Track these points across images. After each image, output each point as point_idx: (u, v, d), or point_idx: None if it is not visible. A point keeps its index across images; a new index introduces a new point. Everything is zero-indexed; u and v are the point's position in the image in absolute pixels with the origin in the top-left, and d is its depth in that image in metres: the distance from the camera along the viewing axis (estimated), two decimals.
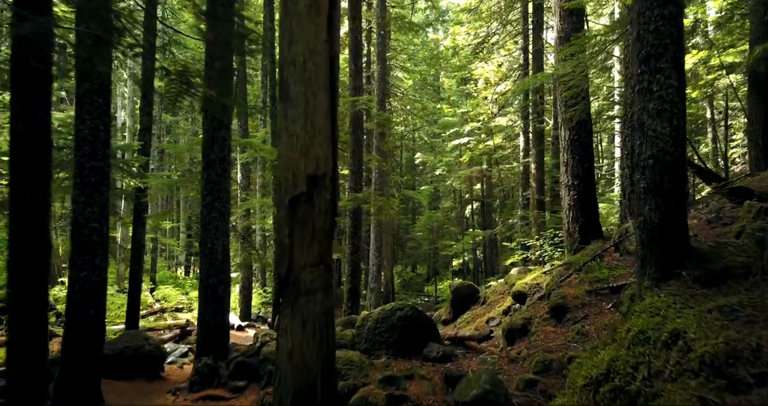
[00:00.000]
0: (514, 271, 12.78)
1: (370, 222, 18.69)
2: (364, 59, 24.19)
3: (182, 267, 30.34)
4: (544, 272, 7.77)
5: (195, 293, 22.00)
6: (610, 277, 5.70)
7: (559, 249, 14.98)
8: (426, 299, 29.24)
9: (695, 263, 3.61)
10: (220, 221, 7.68)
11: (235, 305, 17.47)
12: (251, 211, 16.08)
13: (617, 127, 23.14)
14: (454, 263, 31.69)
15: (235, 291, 18.29)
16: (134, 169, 10.18)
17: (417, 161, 36.12)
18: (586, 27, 9.24)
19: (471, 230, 29.20)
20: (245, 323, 16.24)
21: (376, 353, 5.37)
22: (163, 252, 30.16)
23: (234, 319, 16.50)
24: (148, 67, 10.17)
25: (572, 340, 4.93)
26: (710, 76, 12.17)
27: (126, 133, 21.54)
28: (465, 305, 9.43)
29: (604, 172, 26.34)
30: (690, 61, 12.92)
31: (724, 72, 12.11)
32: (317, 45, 3.46)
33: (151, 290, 21.47)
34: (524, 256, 15.81)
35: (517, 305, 7.51)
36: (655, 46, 3.93)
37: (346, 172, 19.47)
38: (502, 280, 14.11)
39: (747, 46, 11.42)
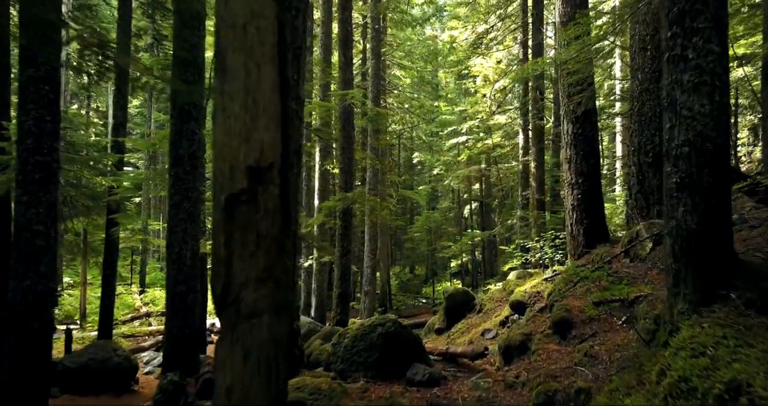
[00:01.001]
0: (512, 275, 12.05)
1: (366, 223, 17.96)
2: (360, 56, 23.48)
3: None
4: (546, 279, 7.04)
5: None
6: (624, 291, 4.96)
7: (560, 252, 14.24)
8: (424, 301, 28.50)
9: (746, 281, 2.82)
10: (189, 223, 6.95)
11: None
12: None
13: (618, 125, 22.41)
14: (453, 264, 30.93)
15: None
16: (107, 166, 9.46)
17: (415, 161, 35.39)
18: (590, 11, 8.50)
19: (469, 230, 28.47)
20: None
21: (353, 375, 4.64)
22: (156, 253, 29.42)
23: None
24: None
25: (579, 362, 4.20)
26: None
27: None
28: (460, 312, 8.69)
29: (605, 172, 25.61)
30: None
31: (734, 64, 11.37)
32: (261, 6, 2.75)
33: (140, 293, 20.76)
34: (524, 258, 15.06)
35: (516, 315, 6.77)
36: (691, 0, 3.06)
37: (337, 171, 18.76)
38: (500, 285, 13.37)
39: (760, 37, 10.69)
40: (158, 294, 20.80)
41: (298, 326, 4.60)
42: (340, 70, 11.56)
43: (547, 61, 7.44)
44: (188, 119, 7.05)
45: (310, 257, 14.96)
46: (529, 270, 13.39)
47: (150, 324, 15.43)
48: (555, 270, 7.28)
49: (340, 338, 5.04)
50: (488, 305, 8.43)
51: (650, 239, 5.84)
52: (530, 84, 16.90)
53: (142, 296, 20.21)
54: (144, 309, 17.81)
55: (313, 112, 14.43)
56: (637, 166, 8.83)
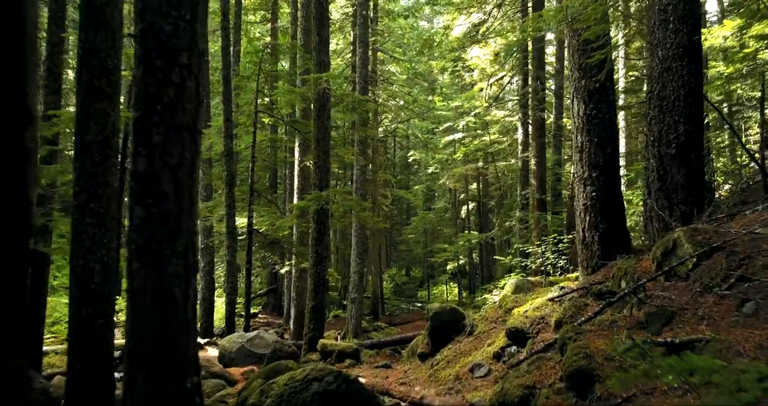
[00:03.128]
0: (509, 287, 10.47)
1: (353, 225, 16.36)
2: (350, 47, 21.92)
3: None
4: (551, 299, 5.46)
5: None
6: (669, 329, 3.36)
7: (563, 257, 12.64)
8: (419, 305, 26.93)
9: None
10: (98, 229, 5.37)
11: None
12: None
13: (622, 121, 20.82)
14: (449, 266, 29.34)
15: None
16: None
17: (411, 160, 33.83)
18: None
19: (466, 231, 26.88)
20: (205, 341, 13.94)
21: None
22: None
23: None
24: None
25: None
26: (748, 49, 9.84)
27: None
28: (447, 335, 7.12)
29: None
30: (721, 33, 10.62)
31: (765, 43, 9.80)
32: None
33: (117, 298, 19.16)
34: (523, 264, 13.48)
35: (514, 347, 5.20)
36: None
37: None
38: (496, 298, 11.80)
39: None
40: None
41: (197, 382, 3.11)
42: (314, 51, 10.00)
43: (552, 13, 5.83)
44: (99, 97, 5.47)
45: (288, 263, 13.41)
46: (530, 279, 11.81)
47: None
48: (563, 287, 5.70)
49: (262, 397, 3.47)
50: (481, 326, 6.86)
51: (694, 250, 4.27)
52: (530, 73, 15.34)
53: (119, 300, 18.62)
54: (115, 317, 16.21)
55: (296, 105, 12.93)
56: (657, 159, 7.26)
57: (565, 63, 7.59)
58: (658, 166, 7.25)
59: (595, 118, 5.71)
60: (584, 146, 5.78)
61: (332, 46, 24.26)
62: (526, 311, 5.68)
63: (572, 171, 5.93)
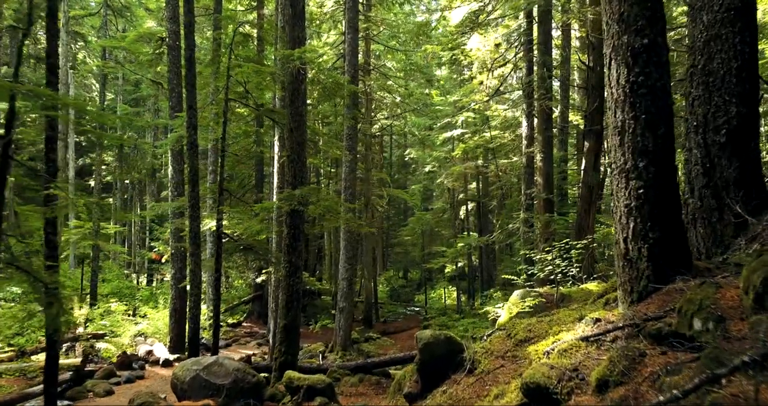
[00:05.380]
0: (514, 301, 8.92)
1: (341, 227, 14.69)
2: (342, 37, 20.25)
3: (146, 275, 26.37)
4: (585, 339, 3.83)
5: (146, 310, 18.06)
6: None
7: (575, 265, 11.00)
8: (416, 309, 25.28)
9: None
10: None
11: (165, 330, 13.55)
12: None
13: None
14: (448, 269, 27.67)
15: (165, 314, 14.37)
16: None
17: (408, 159, 32.19)
18: None
19: (465, 233, 25.22)
20: (174, 356, 12.30)
21: None
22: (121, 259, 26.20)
23: (160, 351, 12.56)
24: None
25: None
26: None
27: None
28: (440, 371, 5.48)
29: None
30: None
31: None
32: None
33: (92, 307, 17.51)
34: (529, 272, 11.81)
35: None
36: None
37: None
38: (499, 313, 10.14)
39: None
40: (117, 307, 17.58)
41: None
42: (287, 25, 8.36)
43: None
44: None
45: (265, 271, 11.79)
46: (537, 290, 10.17)
47: (68, 352, 12.25)
48: (598, 320, 4.05)
49: None
50: (484, 362, 5.22)
51: None
52: (535, 59, 13.71)
53: (89, 310, 16.97)
54: (79, 330, 14.60)
55: (275, 92, 11.31)
56: (702, 148, 5.64)
57: (603, 20, 5.97)
58: (703, 157, 5.63)
59: (642, 87, 4.09)
60: (626, 126, 4.15)
61: (324, 38, 22.62)
62: (549, 352, 4.05)
63: (608, 159, 4.30)
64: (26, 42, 5.43)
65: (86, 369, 10.52)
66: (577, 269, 11.11)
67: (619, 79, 4.25)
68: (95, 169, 18.27)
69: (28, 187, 6.14)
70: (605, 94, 4.35)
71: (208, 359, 7.61)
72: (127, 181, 27.67)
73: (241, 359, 9.49)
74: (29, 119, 28.12)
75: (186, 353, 12.70)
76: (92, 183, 18.07)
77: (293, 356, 8.18)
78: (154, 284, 25.08)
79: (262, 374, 9.80)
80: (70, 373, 9.97)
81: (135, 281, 24.89)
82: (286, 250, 8.20)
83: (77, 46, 26.11)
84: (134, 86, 27.23)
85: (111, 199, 26.92)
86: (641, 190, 4.13)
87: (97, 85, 30.51)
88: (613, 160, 4.33)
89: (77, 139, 26.76)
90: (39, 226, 5.88)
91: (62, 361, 10.51)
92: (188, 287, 11.48)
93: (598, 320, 4.10)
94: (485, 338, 6.10)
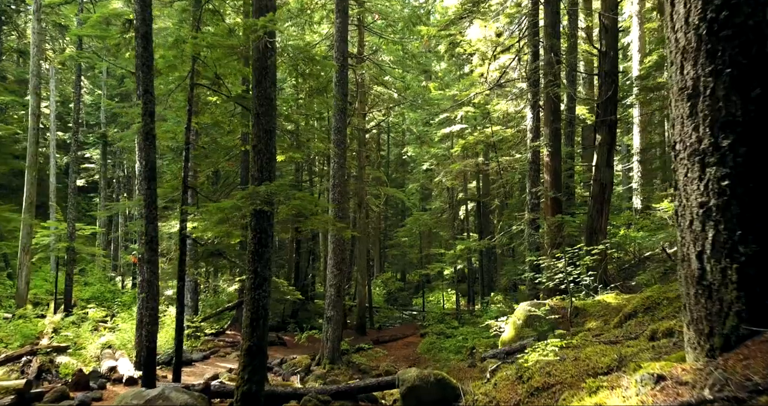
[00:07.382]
0: (518, 316, 7.54)
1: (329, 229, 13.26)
2: (333, 30, 18.84)
3: (131, 278, 24.96)
4: None
5: (124, 315, 16.64)
6: None
7: (589, 274, 9.57)
8: (414, 313, 23.86)
9: None
10: None
11: (131, 344, 12.13)
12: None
13: (636, 117, 17.74)
14: (446, 271, 26.21)
15: (131, 325, 12.96)
16: None
17: (405, 157, 30.79)
18: None
19: (465, 234, 23.80)
20: (139, 373, 10.83)
21: None
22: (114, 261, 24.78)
23: (125, 367, 11.13)
24: None
25: None
26: None
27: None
28: None
29: (617, 170, 20.85)
30: None
31: None
32: None
33: (67, 314, 16.09)
34: (537, 280, 10.39)
35: None
36: None
37: (282, 158, 14.08)
38: (503, 327, 8.72)
39: None
40: (93, 314, 16.15)
41: None
42: None
43: None
44: None
45: (238, 279, 10.40)
46: (545, 303, 8.75)
47: (24, 369, 10.84)
48: (660, 376, 2.65)
49: None
50: None
51: None
52: (542, 44, 12.29)
53: (60, 319, 15.55)
54: (43, 341, 13.20)
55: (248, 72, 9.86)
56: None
57: None
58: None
59: (726, 27, 2.66)
60: (701, 86, 2.72)
61: (317, 29, 21.22)
62: None
63: (670, 136, 2.88)
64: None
65: (34, 391, 9.11)
66: (591, 278, 9.71)
67: (689, 17, 2.81)
68: (71, 166, 16.86)
69: None
70: (666, 40, 2.93)
71: (152, 391, 6.21)
72: (114, 180, 26.29)
73: (201, 386, 8.07)
74: (15, 116, 26.76)
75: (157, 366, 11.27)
76: (69, 182, 16.66)
77: (258, 385, 6.77)
78: (137, 288, 23.68)
79: (228, 401, 8.42)
80: (12, 397, 8.57)
81: (120, 284, 23.50)
82: (250, 258, 6.79)
83: (66, 40, 24.76)
84: (119, 81, 25.88)
85: (96, 199, 25.54)
86: (725, 182, 2.71)
87: (86, 82, 29.16)
88: (678, 138, 2.91)
89: (61, 136, 25.40)
90: None
91: (3, 383, 9.09)
92: (141, 298, 10.08)
93: (661, 377, 2.68)
94: (488, 375, 4.68)
